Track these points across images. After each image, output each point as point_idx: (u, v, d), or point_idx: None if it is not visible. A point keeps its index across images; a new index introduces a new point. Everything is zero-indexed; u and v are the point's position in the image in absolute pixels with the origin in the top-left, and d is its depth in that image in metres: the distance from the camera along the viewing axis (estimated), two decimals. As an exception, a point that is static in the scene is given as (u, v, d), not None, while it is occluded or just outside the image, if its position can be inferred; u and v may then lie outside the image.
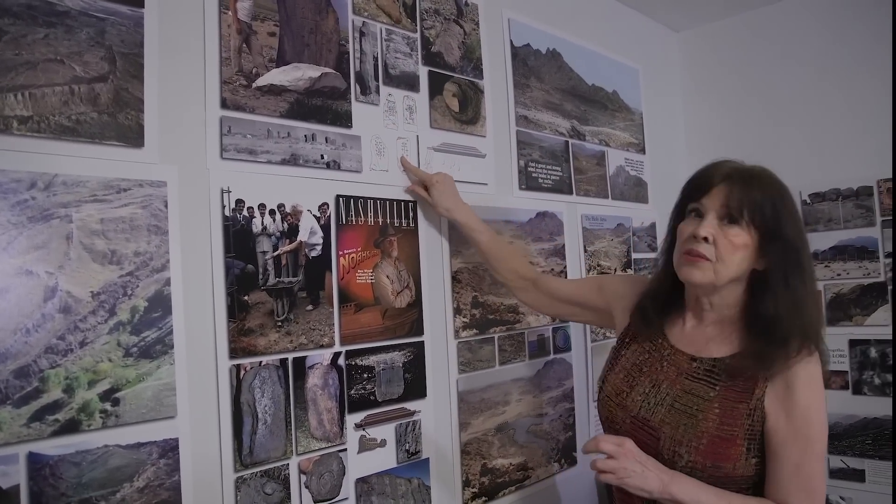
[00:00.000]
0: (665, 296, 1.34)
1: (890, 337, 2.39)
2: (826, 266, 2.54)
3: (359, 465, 1.50)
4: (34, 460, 1.04)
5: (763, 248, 1.19)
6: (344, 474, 1.46)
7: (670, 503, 1.16)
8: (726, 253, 1.19)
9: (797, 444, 1.13)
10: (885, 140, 2.39)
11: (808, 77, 2.60)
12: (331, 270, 1.47)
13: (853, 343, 2.47)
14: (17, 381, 1.04)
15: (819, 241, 2.54)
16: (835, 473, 2.47)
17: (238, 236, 1.32)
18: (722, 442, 1.16)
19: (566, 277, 2.14)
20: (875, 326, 2.43)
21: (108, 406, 1.13)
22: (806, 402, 1.13)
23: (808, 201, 2.57)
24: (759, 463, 1.17)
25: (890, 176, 2.40)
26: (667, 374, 1.28)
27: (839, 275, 2.51)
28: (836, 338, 2.49)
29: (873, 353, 2.43)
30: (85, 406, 1.10)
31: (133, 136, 1.19)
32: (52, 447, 1.06)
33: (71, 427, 1.08)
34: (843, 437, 2.47)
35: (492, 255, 1.68)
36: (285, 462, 1.36)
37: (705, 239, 1.19)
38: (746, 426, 1.16)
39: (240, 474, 1.29)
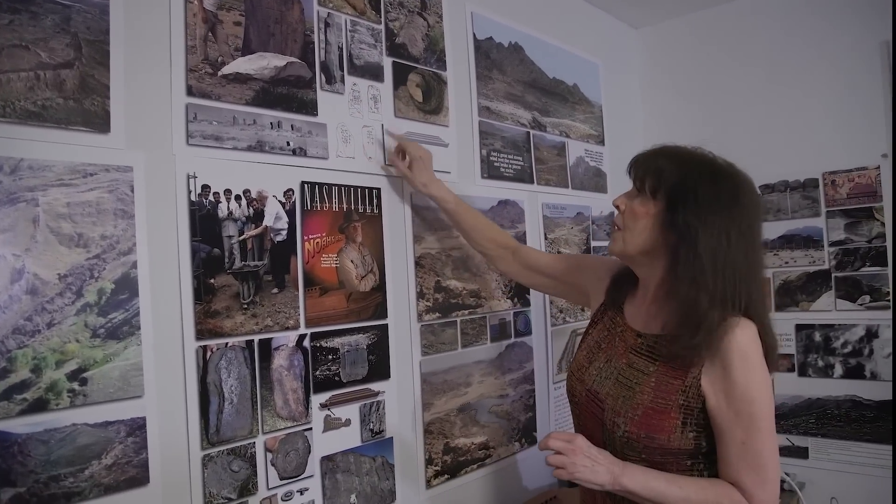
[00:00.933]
0: (627, 275, 1.40)
1: (833, 322, 2.51)
2: (775, 254, 2.65)
3: (324, 443, 1.54)
4: (2, 438, 1.06)
5: (670, 220, 1.20)
6: (309, 452, 1.51)
7: (625, 494, 1.20)
8: (629, 221, 1.26)
9: (740, 423, 1.14)
10: (830, 135, 2.51)
11: (760, 74, 2.70)
12: (296, 254, 1.51)
13: (799, 327, 2.59)
14: (-15, 361, 1.06)
15: (769, 230, 2.65)
16: (781, 451, 2.56)
17: (204, 221, 1.35)
18: (655, 414, 1.20)
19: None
20: (819, 312, 2.56)
21: (75, 385, 1.15)
22: (744, 381, 1.14)
23: (759, 192, 2.67)
24: (697, 437, 1.19)
25: (833, 169, 2.52)
26: (617, 349, 1.34)
27: (787, 262, 2.63)
28: (784, 322, 2.61)
29: (818, 337, 2.55)
30: (53, 385, 1.13)
31: (99, 122, 1.21)
32: (21, 425, 1.09)
33: (39, 406, 1.11)
34: (789, 417, 2.59)
35: (470, 226, 1.75)
36: (251, 441, 1.40)
37: (618, 207, 1.29)
38: (681, 401, 1.19)
39: (206, 452, 1.32)
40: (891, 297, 2.40)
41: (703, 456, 1.21)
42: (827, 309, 2.54)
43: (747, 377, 1.14)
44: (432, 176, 1.71)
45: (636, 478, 1.18)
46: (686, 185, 1.19)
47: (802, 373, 2.58)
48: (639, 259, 1.31)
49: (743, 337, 1.15)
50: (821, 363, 2.55)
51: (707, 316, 1.15)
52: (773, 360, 1.22)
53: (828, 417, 2.52)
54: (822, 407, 2.54)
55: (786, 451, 2.58)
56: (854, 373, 2.47)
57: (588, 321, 1.51)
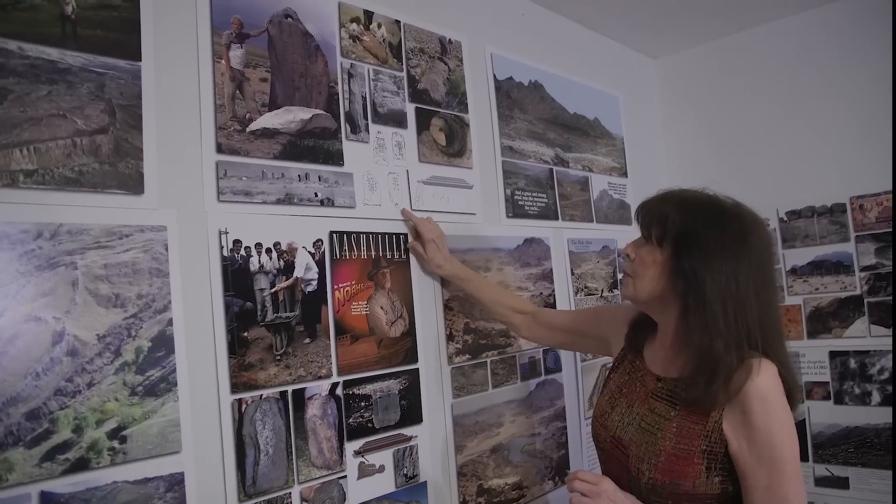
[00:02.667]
0: (645, 319, 1.40)
1: (868, 348, 2.46)
2: (804, 281, 2.62)
3: (358, 491, 1.54)
4: (46, 499, 1.08)
5: (678, 267, 1.20)
6: (345, 500, 1.51)
7: None
8: (639, 268, 1.26)
9: (763, 468, 1.12)
10: (857, 158, 2.49)
11: (781, 99, 2.70)
12: (326, 304, 1.53)
13: (833, 354, 2.54)
14: (29, 424, 1.08)
15: (797, 256, 2.63)
16: (820, 481, 2.54)
17: (236, 275, 1.37)
18: (678, 460, 1.18)
19: (555, 302, 2.20)
20: (853, 338, 2.51)
21: (115, 444, 1.17)
22: (765, 425, 1.11)
23: (785, 219, 2.66)
24: (724, 481, 1.17)
25: (860, 193, 2.49)
26: (638, 394, 1.33)
27: (817, 289, 2.59)
28: (817, 350, 2.56)
29: (853, 363, 2.50)
30: (93, 444, 1.15)
31: (133, 184, 1.25)
32: (63, 486, 1.10)
33: (81, 465, 1.12)
34: (827, 446, 2.53)
35: (488, 298, 1.78)
36: (287, 491, 1.40)
37: (628, 255, 1.29)
38: (703, 446, 1.17)
39: (244, 505, 1.33)
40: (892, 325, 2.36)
41: (731, 500, 1.19)
42: (861, 335, 2.49)
43: (768, 421, 1.12)
44: (447, 255, 1.74)
45: None
46: (691, 232, 1.19)
47: (839, 401, 2.53)
48: (652, 305, 1.30)
49: (762, 379, 1.13)
50: (857, 390, 2.49)
51: (723, 361, 1.13)
52: (795, 398, 1.19)
53: (868, 446, 2.46)
54: (861, 435, 2.48)
55: (825, 482, 2.52)
56: (893, 400, 2.41)
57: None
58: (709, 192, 1.27)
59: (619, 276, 2.53)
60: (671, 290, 1.23)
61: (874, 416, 2.45)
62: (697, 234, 1.18)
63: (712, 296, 1.15)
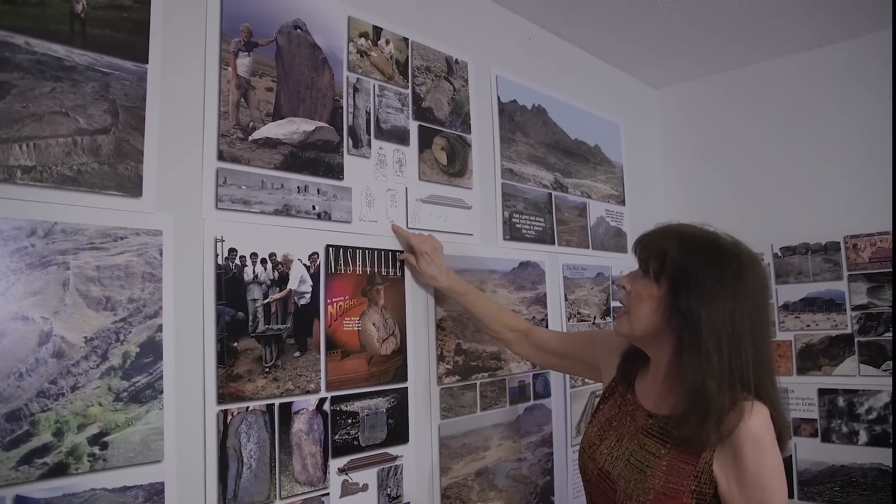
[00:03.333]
0: (638, 351, 1.38)
1: (856, 387, 2.46)
2: (796, 317, 2.62)
3: (340, 510, 1.52)
4: (21, 503, 1.05)
5: (674, 303, 1.19)
6: (325, 519, 1.48)
7: None
8: (635, 303, 1.26)
9: None
10: (852, 198, 2.51)
11: (780, 135, 2.72)
12: (319, 318, 1.51)
13: (822, 392, 2.54)
14: (8, 425, 1.06)
15: (790, 292, 2.63)
16: (805, 521, 2.53)
17: (230, 284, 1.36)
18: (667, 499, 1.17)
19: (548, 325, 2.19)
20: (843, 376, 2.51)
21: (96, 450, 1.15)
22: (755, 468, 1.11)
23: (780, 254, 2.67)
24: None
25: (854, 233, 2.50)
26: (628, 428, 1.31)
27: (808, 326, 2.59)
28: (806, 386, 2.56)
29: (841, 402, 2.50)
30: (73, 450, 1.12)
31: (132, 186, 1.23)
32: (40, 490, 1.08)
33: (59, 470, 1.10)
34: (813, 484, 2.52)
35: (482, 313, 1.76)
36: (268, 507, 1.38)
37: (623, 287, 1.28)
38: (693, 486, 1.16)
39: (223, 519, 1.30)
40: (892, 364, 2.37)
41: None
42: (850, 374, 2.49)
43: (759, 464, 1.11)
44: (442, 267, 1.71)
45: None
46: (689, 269, 1.19)
47: (826, 438, 2.52)
48: (646, 340, 1.29)
49: (755, 422, 1.12)
50: (845, 429, 2.49)
51: (715, 401, 1.12)
52: (784, 440, 1.18)
53: (853, 486, 2.45)
54: (847, 475, 2.47)
55: (810, 521, 2.51)
56: (879, 440, 2.41)
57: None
58: (708, 229, 1.27)
59: (614, 303, 2.52)
60: (666, 326, 1.22)
61: (861, 455, 2.44)
62: (696, 272, 1.18)
63: (708, 334, 1.14)
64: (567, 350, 1.67)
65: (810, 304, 2.60)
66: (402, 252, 1.73)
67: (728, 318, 1.15)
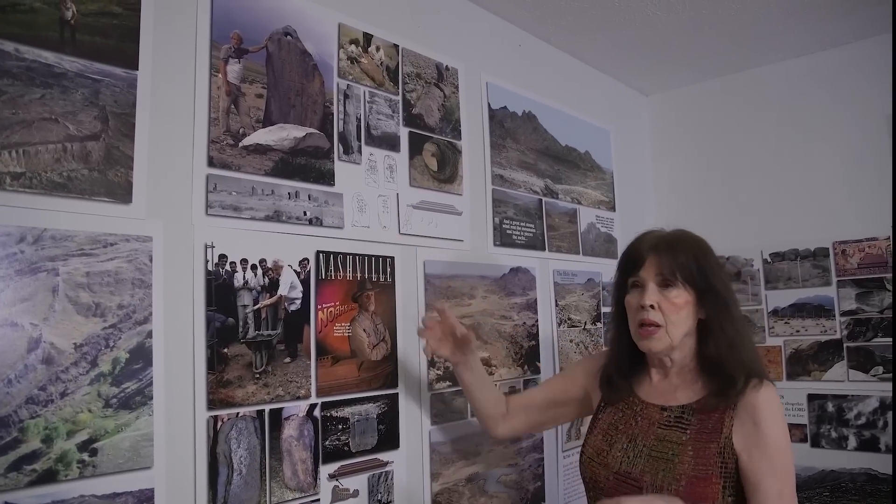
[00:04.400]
0: (627, 360, 1.42)
1: (846, 392, 2.48)
2: (786, 322, 2.64)
3: (331, 516, 1.52)
4: (9, 511, 1.05)
5: (700, 301, 1.31)
6: (316, 526, 1.48)
7: None
8: (672, 314, 1.30)
9: (776, 474, 1.19)
10: (841, 205, 2.53)
11: (769, 143, 2.74)
12: (309, 324, 1.51)
13: (811, 397, 2.56)
14: (-3, 431, 1.06)
15: (779, 298, 2.65)
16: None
17: (220, 290, 1.36)
18: (699, 482, 1.21)
19: (538, 331, 2.20)
20: (832, 382, 2.53)
21: (85, 456, 1.14)
22: (775, 434, 1.20)
23: (769, 260, 2.68)
24: (736, 502, 1.22)
25: (843, 239, 2.53)
26: (640, 427, 1.34)
27: (798, 331, 2.61)
28: (795, 392, 2.58)
29: (830, 407, 2.52)
30: (63, 456, 1.12)
31: (122, 193, 1.23)
32: (28, 497, 1.07)
33: (48, 477, 1.09)
34: (802, 489, 2.52)
35: (485, 397, 1.63)
36: (259, 513, 1.38)
37: (651, 307, 1.30)
38: (720, 464, 1.21)
39: (213, 525, 1.30)
40: (893, 365, 2.39)
41: None
42: (839, 379, 2.51)
43: (777, 429, 1.22)
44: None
45: None
46: (705, 270, 1.31)
47: (815, 443, 2.54)
48: (676, 345, 1.33)
49: (769, 392, 1.24)
50: (834, 434, 2.50)
51: (740, 368, 1.26)
52: None
53: (842, 491, 2.47)
54: (837, 479, 2.48)
55: (800, 526, 2.51)
56: (868, 445, 2.43)
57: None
58: (691, 232, 1.39)
59: (604, 309, 2.53)
60: (693, 326, 1.33)
61: (850, 460, 2.46)
62: (711, 270, 1.32)
63: (734, 316, 1.32)
64: (554, 394, 1.60)
65: (800, 310, 2.61)
66: (392, 258, 1.72)
67: (736, 307, 1.34)
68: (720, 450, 1.22)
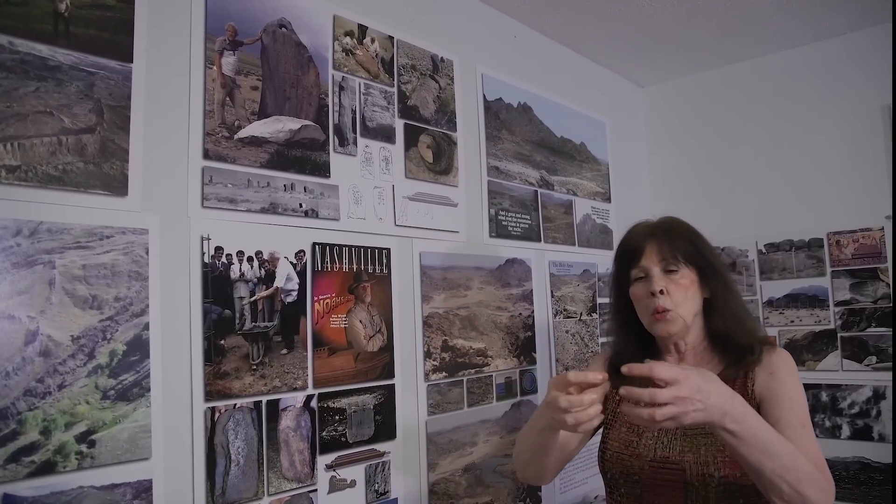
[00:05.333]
0: (636, 350, 1.39)
1: (839, 382, 2.50)
2: (780, 313, 2.65)
3: (328, 506, 1.53)
4: (9, 502, 1.06)
5: (702, 279, 1.34)
6: (313, 515, 1.49)
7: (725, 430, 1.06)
8: (680, 295, 1.31)
9: (795, 410, 1.20)
10: (835, 196, 2.54)
11: (764, 134, 2.75)
12: (306, 315, 1.52)
13: (806, 387, 2.54)
14: (-5, 424, 1.06)
15: (774, 288, 2.67)
16: (789, 515, 2.55)
17: (216, 282, 1.36)
18: None
19: (534, 322, 2.21)
20: (826, 371, 2.54)
21: (83, 448, 1.15)
22: (791, 381, 1.24)
23: (764, 251, 2.70)
24: None
25: (837, 229, 2.54)
26: None
27: (792, 321, 2.63)
28: (791, 382, 2.58)
29: (824, 396, 2.53)
30: (61, 448, 1.13)
31: (117, 185, 1.24)
32: (27, 488, 1.08)
33: (47, 468, 1.10)
34: (798, 480, 2.54)
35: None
36: (257, 502, 1.38)
37: (661, 292, 1.30)
38: None
39: (211, 515, 1.31)
40: (892, 358, 2.40)
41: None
42: (833, 369, 2.53)
43: (792, 377, 1.25)
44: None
45: (744, 419, 1.05)
46: (701, 248, 1.35)
47: (810, 433, 2.55)
48: (688, 326, 1.33)
49: (782, 352, 1.30)
50: (828, 423, 2.52)
51: (754, 336, 1.31)
52: None
53: (836, 479, 2.42)
54: (831, 468, 2.48)
55: (794, 514, 2.53)
56: (862, 434, 2.45)
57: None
58: (674, 217, 1.43)
59: (600, 300, 2.54)
60: (699, 304, 1.35)
61: (844, 449, 2.48)
62: (706, 249, 1.37)
63: (735, 291, 1.37)
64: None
65: (794, 300, 2.63)
66: (388, 249, 1.73)
67: (731, 280, 1.39)
68: (748, 399, 1.23)
